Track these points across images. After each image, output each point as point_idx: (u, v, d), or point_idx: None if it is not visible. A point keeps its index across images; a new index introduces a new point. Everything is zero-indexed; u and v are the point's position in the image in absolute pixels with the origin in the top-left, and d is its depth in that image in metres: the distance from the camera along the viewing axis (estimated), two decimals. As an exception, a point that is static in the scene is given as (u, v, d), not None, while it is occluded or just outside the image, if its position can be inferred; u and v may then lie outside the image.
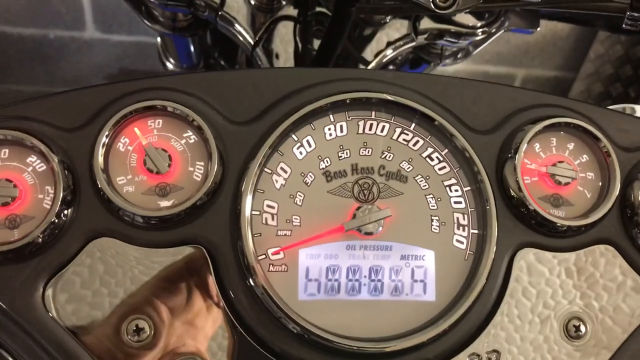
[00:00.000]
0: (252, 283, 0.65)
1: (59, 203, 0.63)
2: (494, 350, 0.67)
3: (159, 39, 1.44)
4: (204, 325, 0.65)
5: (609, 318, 0.70)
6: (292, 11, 1.12)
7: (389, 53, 1.11)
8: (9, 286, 0.63)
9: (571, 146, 0.73)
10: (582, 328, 0.69)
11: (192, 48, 1.37)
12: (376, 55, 1.14)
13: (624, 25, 0.82)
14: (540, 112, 0.74)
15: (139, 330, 0.64)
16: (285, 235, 0.67)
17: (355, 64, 1.19)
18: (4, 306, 0.63)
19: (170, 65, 1.46)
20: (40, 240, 0.63)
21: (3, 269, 0.63)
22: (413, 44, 1.07)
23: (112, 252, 0.65)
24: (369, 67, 1.14)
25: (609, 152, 0.72)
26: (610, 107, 1.19)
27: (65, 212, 0.65)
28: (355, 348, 0.64)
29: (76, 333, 0.63)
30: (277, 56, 1.26)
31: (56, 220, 0.64)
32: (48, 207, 0.64)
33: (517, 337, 0.68)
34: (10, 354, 0.64)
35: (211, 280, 0.65)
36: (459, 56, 1.20)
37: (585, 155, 0.73)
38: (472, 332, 0.68)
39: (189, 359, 0.64)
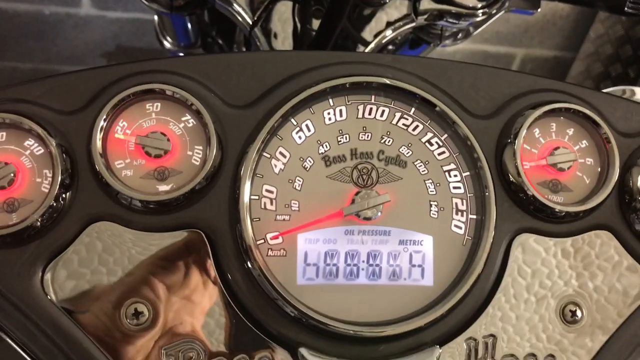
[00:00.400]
0: (250, 267, 0.66)
1: (57, 187, 0.63)
2: (491, 335, 0.68)
3: (156, 17, 1.43)
4: (203, 308, 0.66)
5: (604, 300, 0.70)
6: (291, -9, 1.10)
7: (389, 34, 1.10)
8: (8, 270, 0.63)
9: (571, 132, 0.73)
10: (579, 313, 0.69)
11: (189, 27, 1.36)
12: (375, 36, 1.13)
13: (625, 9, 0.81)
14: (541, 97, 0.74)
15: (138, 314, 0.64)
16: (284, 220, 0.67)
17: (354, 45, 1.18)
18: (3, 290, 0.63)
19: (167, 44, 1.44)
20: (38, 224, 0.63)
21: (1, 253, 0.63)
22: (413, 24, 1.06)
23: (110, 235, 0.65)
24: (369, 47, 1.13)
25: (609, 138, 0.72)
26: (610, 89, 1.18)
27: (64, 195, 0.65)
28: (352, 332, 0.65)
29: (75, 316, 0.64)
30: (275, 36, 1.25)
31: (55, 204, 0.63)
32: (46, 190, 0.64)
33: (514, 320, 0.68)
34: (10, 336, 0.64)
35: (210, 265, 0.66)
36: (459, 37, 1.19)
37: (584, 141, 0.73)
38: (470, 317, 0.68)
39: (187, 341, 0.65)
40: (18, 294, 0.63)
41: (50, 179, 0.64)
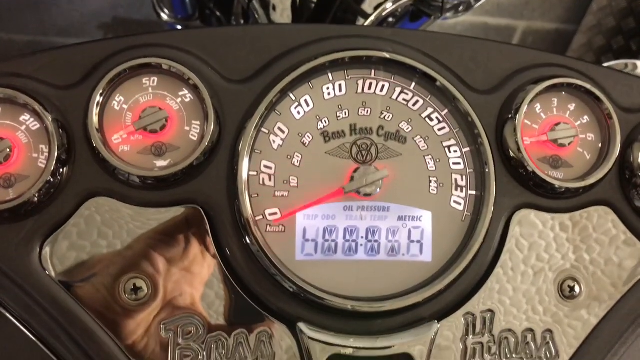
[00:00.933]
0: (249, 243, 0.65)
1: (54, 162, 0.63)
2: (489, 310, 0.68)
3: (153, -11, 1.40)
4: (201, 284, 0.66)
5: (602, 276, 0.71)
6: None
7: (389, 6, 1.09)
8: (6, 246, 0.63)
9: (572, 107, 0.72)
10: (577, 288, 0.70)
11: (187, -2, 1.34)
12: (376, 8, 1.11)
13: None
14: (542, 72, 0.73)
15: (136, 289, 0.64)
16: (282, 196, 0.67)
17: (354, 17, 1.16)
18: (1, 265, 0.63)
19: (164, 16, 1.43)
20: (35, 199, 0.63)
21: (-1, 229, 0.63)
22: (414, -4, 1.05)
23: (108, 211, 0.65)
24: (369, 20, 1.11)
25: (611, 114, 0.71)
26: (612, 62, 1.17)
27: (61, 171, 0.64)
28: (350, 307, 0.65)
29: (73, 291, 0.64)
30: (274, 8, 1.24)
31: (51, 180, 0.63)
32: (43, 166, 0.63)
33: (511, 296, 0.69)
34: (9, 312, 0.65)
35: (208, 240, 0.66)
36: (460, 9, 1.18)
37: (586, 117, 0.73)
38: (468, 292, 0.68)
39: (186, 316, 0.65)
40: (16, 270, 0.63)
41: (46, 154, 0.64)
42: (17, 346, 0.65)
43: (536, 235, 0.70)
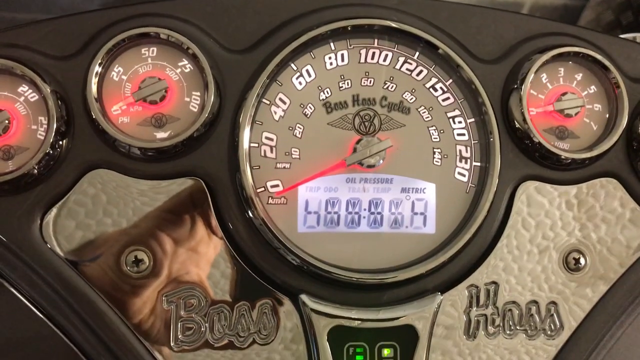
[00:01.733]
0: (251, 215, 0.65)
1: (53, 134, 0.62)
2: (493, 282, 0.68)
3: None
4: (204, 256, 0.65)
5: (606, 250, 0.70)
6: None
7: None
8: (6, 218, 0.63)
9: (579, 77, 0.71)
10: (582, 260, 0.69)
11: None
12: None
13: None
14: (549, 41, 0.71)
15: (137, 262, 0.64)
16: (284, 168, 0.66)
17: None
18: (3, 237, 0.63)
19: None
20: (35, 171, 0.62)
21: (0, 201, 0.63)
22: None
23: (108, 183, 0.64)
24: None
25: (618, 83, 0.70)
26: (621, 36, 1.15)
27: (60, 143, 0.64)
28: (354, 279, 0.65)
29: (75, 264, 0.64)
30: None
31: (51, 152, 0.63)
32: (42, 138, 0.63)
33: (516, 268, 0.68)
34: (12, 285, 0.65)
35: (210, 213, 0.65)
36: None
37: (593, 86, 0.71)
38: (472, 264, 0.68)
39: (188, 288, 0.65)
40: (18, 242, 0.63)
41: (45, 126, 0.63)
42: (20, 318, 0.65)
43: (542, 207, 0.69)
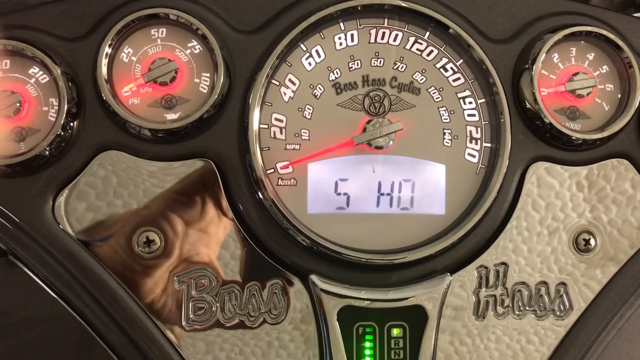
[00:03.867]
0: (261, 197, 0.65)
1: (64, 115, 0.63)
2: (502, 263, 0.68)
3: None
4: (214, 237, 0.66)
5: (617, 231, 0.70)
6: None
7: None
8: (19, 198, 0.64)
9: (591, 56, 0.70)
10: (592, 242, 0.69)
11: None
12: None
13: None
14: (561, 20, 0.70)
15: (149, 242, 0.64)
16: (294, 149, 0.66)
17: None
18: (16, 218, 0.64)
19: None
20: (47, 152, 0.63)
21: (12, 182, 0.64)
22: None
23: (119, 164, 0.65)
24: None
25: (631, 63, 0.69)
26: (635, 14, 1.13)
27: (71, 124, 0.64)
28: (364, 260, 0.65)
29: (87, 245, 0.64)
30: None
31: (62, 133, 0.63)
32: (53, 119, 0.63)
33: (525, 249, 0.68)
34: (25, 265, 0.65)
35: (220, 194, 0.65)
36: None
37: (605, 66, 0.70)
38: (481, 245, 0.68)
39: (199, 268, 0.65)
40: (30, 223, 0.64)
41: (56, 107, 0.63)
42: (34, 297, 0.66)
43: (552, 188, 0.69)
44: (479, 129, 0.68)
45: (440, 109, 0.68)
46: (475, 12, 0.69)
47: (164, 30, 0.66)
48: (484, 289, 0.67)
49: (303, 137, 0.66)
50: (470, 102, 0.68)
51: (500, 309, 0.67)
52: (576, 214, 0.69)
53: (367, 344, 0.65)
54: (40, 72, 0.64)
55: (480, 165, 0.68)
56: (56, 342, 0.67)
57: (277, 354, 0.65)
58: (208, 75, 0.66)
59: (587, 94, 0.69)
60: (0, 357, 0.67)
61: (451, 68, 0.68)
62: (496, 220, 0.68)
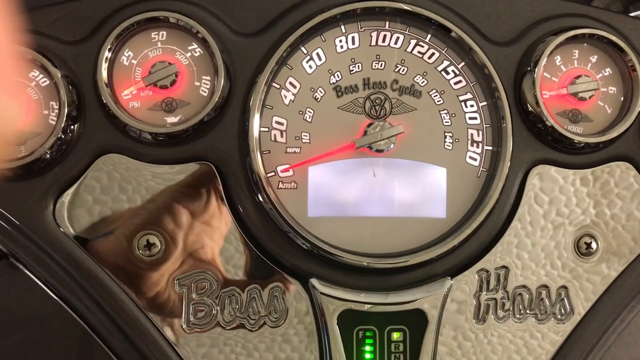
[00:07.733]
0: (261, 200, 0.65)
1: (64, 119, 0.63)
2: (503, 266, 0.68)
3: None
4: (215, 240, 0.66)
5: (618, 235, 0.69)
6: None
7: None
8: (20, 201, 0.64)
9: (594, 59, 0.70)
10: (593, 245, 0.68)
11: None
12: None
13: None
14: (563, 23, 0.70)
15: (150, 245, 0.64)
16: (294, 152, 0.66)
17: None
18: (17, 221, 0.64)
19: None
20: (48, 156, 0.63)
21: (13, 185, 0.64)
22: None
23: (120, 168, 0.65)
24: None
25: (634, 66, 0.68)
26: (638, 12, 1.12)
27: (72, 127, 0.64)
28: (365, 263, 0.65)
29: (87, 247, 0.64)
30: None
31: (63, 136, 0.63)
32: (53, 122, 0.63)
33: (526, 253, 0.68)
34: (26, 267, 0.66)
35: (221, 197, 0.65)
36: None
37: (608, 69, 0.70)
38: (482, 249, 0.68)
39: (200, 272, 0.65)
40: (31, 226, 0.64)
41: (57, 111, 0.63)
42: (34, 299, 0.66)
43: (553, 191, 0.69)
44: (480, 132, 0.68)
45: (441, 112, 0.68)
46: (477, 14, 0.69)
47: (164, 33, 0.66)
48: (484, 293, 0.67)
49: (304, 140, 0.66)
50: (472, 105, 0.68)
51: (500, 313, 0.67)
52: (577, 217, 0.69)
53: (367, 348, 0.65)
54: (41, 76, 0.64)
55: (481, 169, 0.68)
56: (56, 342, 0.67)
57: (277, 357, 0.65)
58: (208, 78, 0.65)
59: (590, 97, 0.68)
60: (0, 357, 0.67)
61: (452, 71, 0.68)
62: (497, 224, 0.68)
